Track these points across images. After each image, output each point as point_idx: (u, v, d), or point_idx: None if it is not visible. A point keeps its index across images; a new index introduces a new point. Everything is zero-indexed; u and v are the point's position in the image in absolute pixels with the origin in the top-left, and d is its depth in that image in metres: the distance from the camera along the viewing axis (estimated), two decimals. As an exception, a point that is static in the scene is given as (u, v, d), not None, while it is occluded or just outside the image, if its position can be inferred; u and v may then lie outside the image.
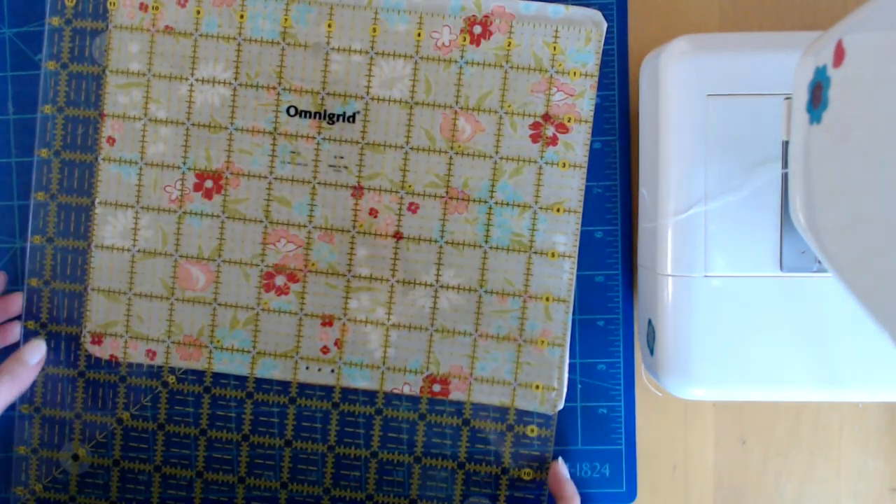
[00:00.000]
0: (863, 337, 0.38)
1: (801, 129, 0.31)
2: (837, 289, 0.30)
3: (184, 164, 0.46)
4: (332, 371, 0.46)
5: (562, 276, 0.45)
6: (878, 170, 0.25)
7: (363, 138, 0.45)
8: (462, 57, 0.45)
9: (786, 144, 0.37)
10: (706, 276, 0.39)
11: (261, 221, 0.46)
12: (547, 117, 0.45)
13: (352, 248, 0.46)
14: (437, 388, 0.46)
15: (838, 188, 0.28)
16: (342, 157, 0.45)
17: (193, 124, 0.45)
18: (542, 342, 0.45)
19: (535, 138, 0.45)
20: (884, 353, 0.38)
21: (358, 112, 0.45)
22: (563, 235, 0.45)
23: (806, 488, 0.47)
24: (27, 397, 0.47)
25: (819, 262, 0.38)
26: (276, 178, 0.45)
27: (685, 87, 0.38)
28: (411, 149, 0.45)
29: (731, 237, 0.39)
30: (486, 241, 0.45)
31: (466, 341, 0.46)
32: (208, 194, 0.46)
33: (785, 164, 0.37)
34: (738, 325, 0.39)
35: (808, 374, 0.39)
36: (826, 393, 0.40)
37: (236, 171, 0.45)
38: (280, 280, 0.46)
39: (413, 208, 0.45)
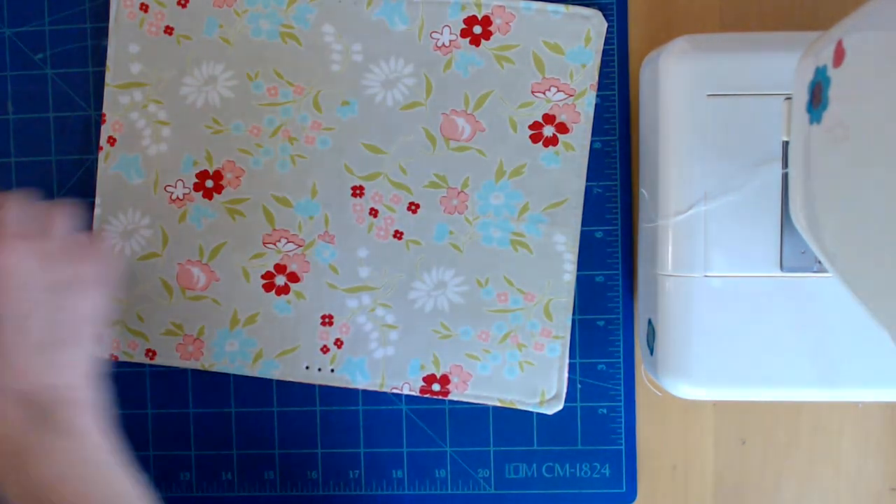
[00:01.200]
0: (863, 337, 0.38)
1: (801, 129, 0.31)
2: (837, 289, 0.30)
3: (184, 164, 0.46)
4: (332, 371, 0.46)
5: (562, 276, 0.45)
6: (878, 170, 0.25)
7: (363, 138, 0.45)
8: (462, 57, 0.45)
9: (786, 144, 0.37)
10: (706, 276, 0.39)
11: (261, 221, 0.46)
12: (547, 117, 0.45)
13: (352, 248, 0.46)
14: (436, 387, 0.46)
15: (838, 188, 0.28)
16: (342, 157, 0.45)
17: (194, 124, 0.45)
18: (543, 342, 0.45)
19: (535, 138, 0.45)
20: (884, 353, 0.38)
21: (358, 112, 0.45)
22: (563, 235, 0.45)
23: (806, 488, 0.47)
24: None
25: (819, 262, 0.38)
26: (276, 179, 0.45)
27: (685, 87, 0.38)
28: (411, 149, 0.45)
29: (731, 237, 0.39)
30: (487, 241, 0.45)
31: (466, 341, 0.46)
32: (209, 194, 0.46)
33: (785, 164, 0.37)
34: (738, 325, 0.39)
35: (808, 374, 0.39)
36: (826, 393, 0.40)
37: (237, 171, 0.45)
38: (280, 280, 0.46)
39: (413, 208, 0.45)
